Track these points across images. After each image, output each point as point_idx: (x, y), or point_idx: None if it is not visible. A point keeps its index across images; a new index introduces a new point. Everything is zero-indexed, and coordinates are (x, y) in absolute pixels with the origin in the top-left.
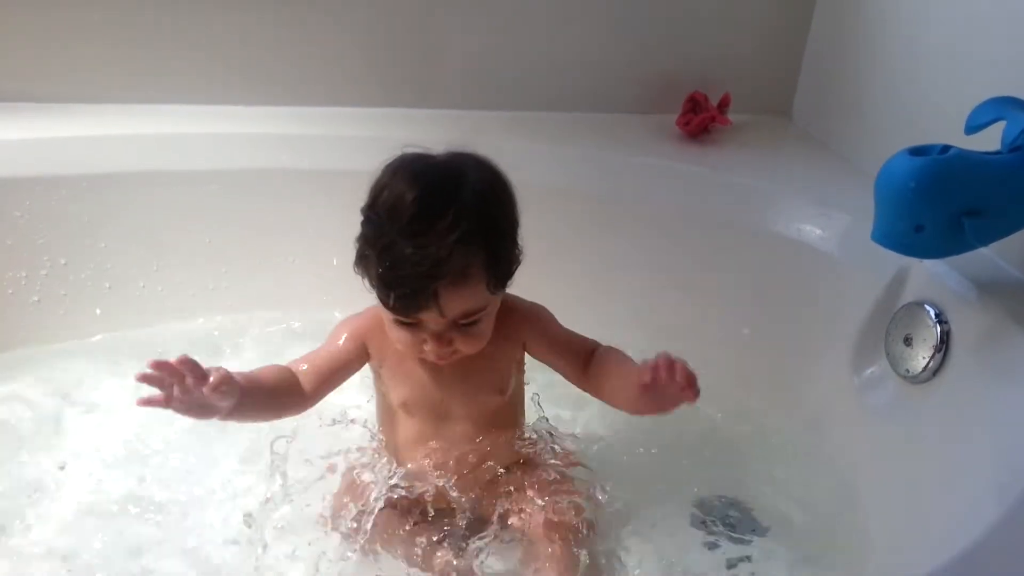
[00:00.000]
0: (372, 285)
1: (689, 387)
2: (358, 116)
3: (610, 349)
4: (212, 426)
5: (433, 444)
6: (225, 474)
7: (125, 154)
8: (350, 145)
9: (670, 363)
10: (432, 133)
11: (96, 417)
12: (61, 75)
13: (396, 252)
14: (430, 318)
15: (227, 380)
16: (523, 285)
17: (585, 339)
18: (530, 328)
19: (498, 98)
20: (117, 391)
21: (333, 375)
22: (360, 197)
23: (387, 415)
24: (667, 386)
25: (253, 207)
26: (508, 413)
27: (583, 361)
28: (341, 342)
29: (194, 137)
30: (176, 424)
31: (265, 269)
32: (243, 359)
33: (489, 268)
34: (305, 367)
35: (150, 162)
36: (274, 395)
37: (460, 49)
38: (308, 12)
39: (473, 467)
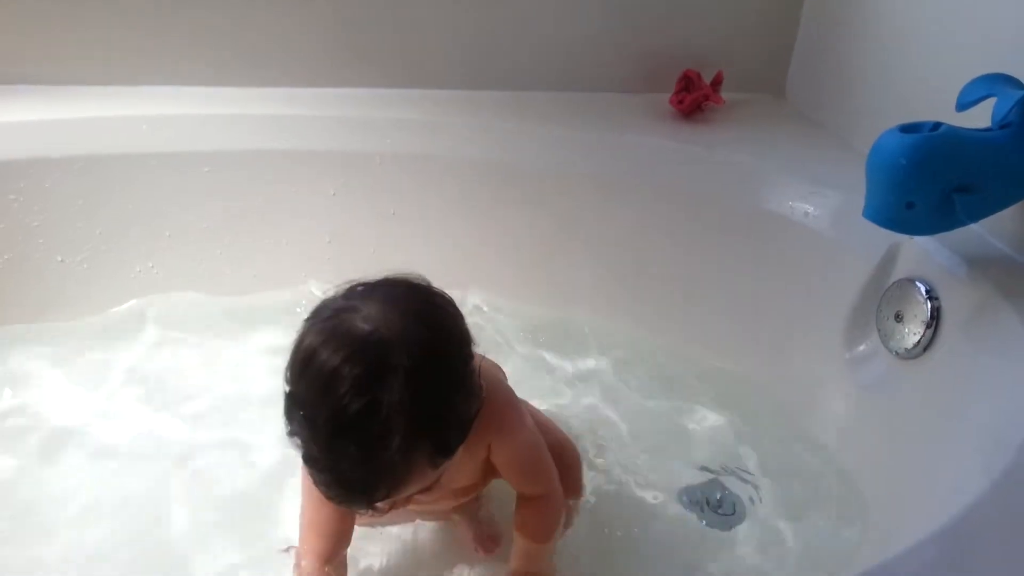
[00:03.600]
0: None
1: None
2: (350, 96)
3: (542, 507)
4: None
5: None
6: None
7: (119, 136)
8: (342, 125)
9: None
10: (422, 113)
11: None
12: (54, 57)
13: (327, 461)
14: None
15: None
16: (516, 265)
17: (541, 480)
18: (496, 434)
19: (488, 77)
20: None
21: (346, 526)
22: (354, 178)
23: None
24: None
25: (245, 188)
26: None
27: (525, 495)
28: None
29: (188, 118)
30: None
31: (259, 250)
32: (244, 340)
33: (436, 454)
34: (326, 546)
35: (145, 144)
36: None
37: (450, 29)
38: None
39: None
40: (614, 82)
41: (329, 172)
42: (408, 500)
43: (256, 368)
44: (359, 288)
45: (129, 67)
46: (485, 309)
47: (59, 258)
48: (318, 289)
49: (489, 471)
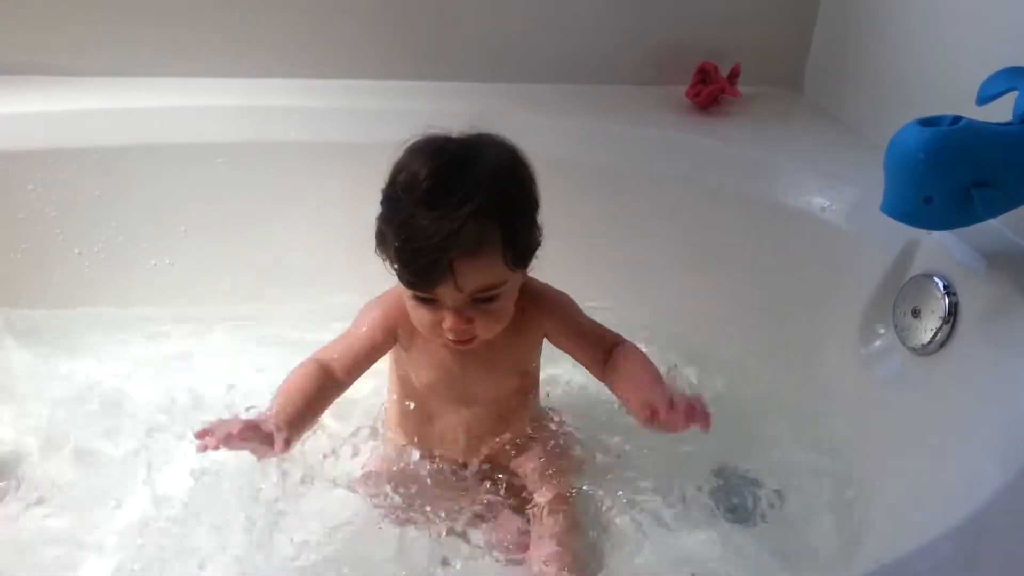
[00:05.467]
0: (392, 263)
1: (693, 420)
2: (366, 88)
3: (628, 351)
4: None
5: (451, 422)
6: None
7: (138, 127)
8: (359, 117)
9: (670, 406)
10: (438, 105)
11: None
12: (71, 48)
13: (412, 226)
14: (447, 292)
15: (277, 431)
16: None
17: (606, 333)
18: (552, 317)
19: (505, 70)
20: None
21: (365, 360)
22: (368, 170)
23: (405, 394)
24: (668, 423)
25: (261, 180)
26: (525, 394)
27: (602, 356)
28: (373, 327)
29: (204, 110)
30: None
31: (275, 241)
32: (257, 334)
33: (505, 242)
34: (337, 355)
35: (161, 135)
36: (318, 405)
37: (466, 21)
38: None
39: (483, 441)
40: (630, 75)
41: (344, 164)
42: (474, 313)
43: (273, 358)
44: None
45: (147, 58)
46: None
47: (77, 250)
48: (336, 282)
49: (535, 373)
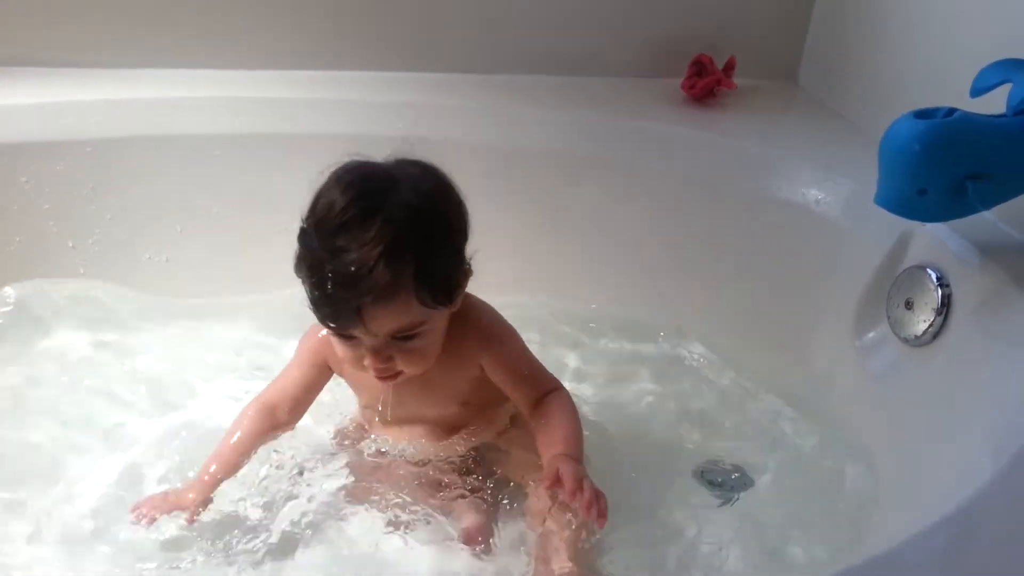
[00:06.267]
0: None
1: (588, 515)
2: (362, 80)
3: (557, 402)
4: None
5: (402, 435)
6: None
7: (132, 119)
8: (355, 109)
9: (578, 488)
10: (431, 97)
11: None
12: (64, 40)
13: (320, 268)
14: (361, 334)
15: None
16: (524, 253)
17: (542, 377)
18: (488, 350)
19: (497, 61)
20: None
21: (305, 398)
22: (327, 160)
23: (361, 403)
24: (570, 502)
25: (257, 171)
26: (479, 413)
27: (535, 399)
28: (302, 365)
29: (199, 101)
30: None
31: (271, 235)
32: (244, 327)
33: (420, 282)
34: (276, 398)
35: (157, 127)
36: (255, 450)
37: (459, 12)
38: None
39: (438, 448)
40: (625, 66)
41: (337, 155)
42: (395, 352)
43: (273, 351)
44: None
45: (140, 50)
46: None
47: (70, 243)
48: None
49: (480, 400)
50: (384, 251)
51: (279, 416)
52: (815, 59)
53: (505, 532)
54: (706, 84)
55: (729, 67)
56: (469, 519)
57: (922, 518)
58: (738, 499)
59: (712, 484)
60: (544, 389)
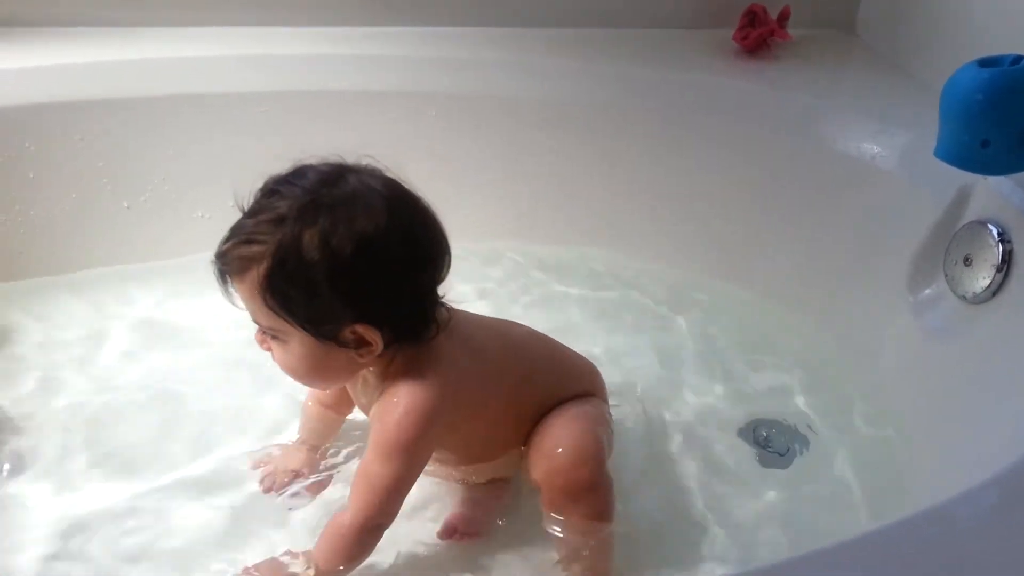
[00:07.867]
0: None
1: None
2: (401, 35)
3: (344, 522)
4: None
5: None
6: None
7: (179, 77)
8: (395, 65)
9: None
10: (475, 52)
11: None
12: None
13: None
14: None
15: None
16: (575, 207)
17: (367, 497)
18: (391, 385)
19: (543, 14)
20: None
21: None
22: (374, 116)
23: None
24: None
25: (302, 128)
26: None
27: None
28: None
29: (246, 59)
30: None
31: None
32: None
33: (266, 282)
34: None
35: (199, 85)
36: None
37: None
38: None
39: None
40: (675, 17)
41: (386, 112)
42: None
43: None
44: None
45: (194, 7)
46: (517, 257)
47: (125, 204)
48: None
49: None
50: (250, 235)
51: (338, 410)
52: (873, 7)
53: (502, 529)
54: (759, 35)
55: (783, 17)
56: (451, 512)
57: (972, 476)
58: (786, 455)
59: (751, 442)
60: (356, 508)
